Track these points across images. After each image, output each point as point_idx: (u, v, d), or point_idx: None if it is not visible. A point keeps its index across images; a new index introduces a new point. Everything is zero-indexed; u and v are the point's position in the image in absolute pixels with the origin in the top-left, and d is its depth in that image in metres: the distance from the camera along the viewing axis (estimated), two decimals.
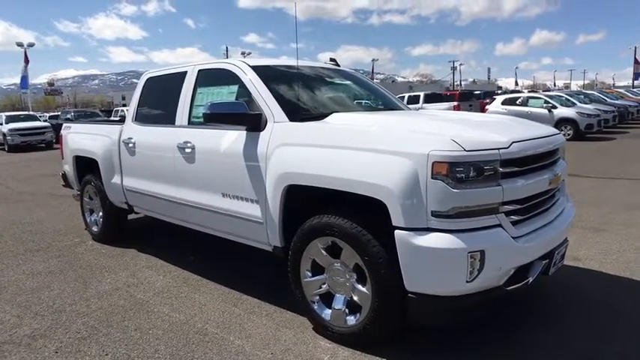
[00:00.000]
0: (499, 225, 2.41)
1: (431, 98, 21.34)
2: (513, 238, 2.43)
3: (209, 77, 3.78)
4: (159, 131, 4.07)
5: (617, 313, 3.05)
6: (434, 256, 2.30)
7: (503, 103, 17.17)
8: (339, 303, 2.77)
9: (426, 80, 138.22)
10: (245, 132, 3.19)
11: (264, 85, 3.26)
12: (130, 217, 5.23)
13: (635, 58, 43.32)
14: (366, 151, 2.51)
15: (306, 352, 2.70)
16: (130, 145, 4.36)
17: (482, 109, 18.85)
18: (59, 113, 25.16)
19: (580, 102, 17.29)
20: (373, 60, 68.25)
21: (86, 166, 5.28)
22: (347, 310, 2.74)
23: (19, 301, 3.60)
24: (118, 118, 9.76)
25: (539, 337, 2.79)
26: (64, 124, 5.84)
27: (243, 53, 60.90)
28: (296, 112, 3.11)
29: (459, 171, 2.29)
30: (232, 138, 3.27)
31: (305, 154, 2.78)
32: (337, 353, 2.67)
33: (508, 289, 2.47)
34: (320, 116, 3.09)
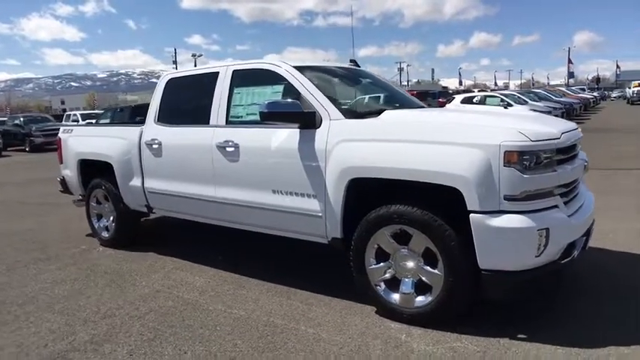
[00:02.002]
0: (556, 206, 2.70)
1: None
2: (568, 217, 2.73)
3: (246, 77, 3.84)
4: (191, 131, 4.07)
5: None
6: (508, 235, 2.55)
7: (462, 101, 18.06)
8: (407, 286, 2.95)
9: None
10: (297, 130, 3.29)
11: (313, 85, 3.38)
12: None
13: (569, 59, 46.70)
14: (438, 144, 2.71)
15: (381, 333, 2.86)
16: (155, 146, 4.31)
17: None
18: (5, 118, 23.59)
19: (531, 100, 18.51)
20: (325, 61, 68.92)
21: (94, 169, 5.13)
22: (415, 293, 2.92)
23: (59, 309, 3.49)
24: (85, 122, 9.50)
25: (576, 304, 3.11)
26: (64, 128, 5.62)
27: (193, 55, 59.53)
28: (348, 110, 3.27)
29: (526, 159, 2.56)
30: (283, 136, 3.37)
31: (372, 148, 2.93)
32: (411, 332, 2.85)
33: (562, 262, 2.77)
34: (370, 113, 3.26)
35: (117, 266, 4.45)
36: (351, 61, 4.58)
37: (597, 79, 70.74)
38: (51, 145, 20.08)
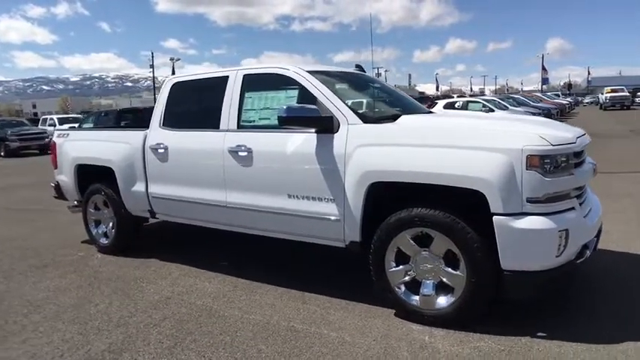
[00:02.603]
0: (573, 208, 2.79)
1: None
2: (583, 218, 2.83)
3: (258, 82, 3.83)
4: (199, 136, 4.03)
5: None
6: (531, 236, 2.62)
7: (445, 107, 18.37)
8: (428, 288, 2.99)
9: None
10: (314, 134, 3.30)
11: (329, 90, 3.40)
12: None
13: (543, 65, 48.05)
14: (461, 149, 2.77)
15: (405, 335, 2.89)
16: (160, 150, 4.25)
17: None
18: None
19: (511, 105, 18.97)
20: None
21: (92, 175, 5.02)
22: (435, 294, 2.97)
23: (68, 318, 3.40)
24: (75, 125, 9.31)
25: (587, 303, 3.21)
26: (58, 132, 5.48)
27: (172, 59, 58.78)
28: (365, 115, 3.30)
29: (547, 162, 2.64)
30: (300, 140, 3.37)
31: (394, 153, 2.97)
32: (433, 333, 2.89)
33: (578, 262, 2.86)
34: (385, 118, 3.31)
35: (120, 273, 4.35)
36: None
37: (569, 85, 73.01)
38: (27, 149, 19.54)
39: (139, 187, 4.52)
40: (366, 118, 3.25)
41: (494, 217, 2.66)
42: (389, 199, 3.10)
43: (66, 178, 5.29)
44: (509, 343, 2.72)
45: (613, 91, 33.65)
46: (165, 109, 4.39)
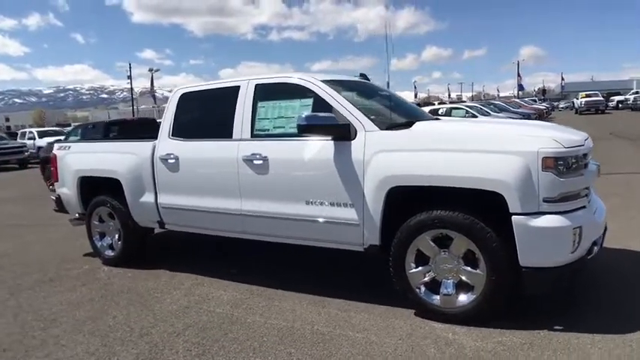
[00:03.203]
0: (584, 206, 2.95)
1: None
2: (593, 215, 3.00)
3: (271, 91, 3.91)
4: (212, 145, 4.08)
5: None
6: (548, 234, 2.77)
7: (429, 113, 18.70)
8: (448, 287, 3.10)
9: None
10: (332, 142, 3.40)
11: (344, 98, 3.51)
12: None
13: (518, 72, 49.40)
14: (480, 152, 2.90)
15: (428, 333, 2.99)
16: (171, 161, 4.28)
17: None
18: None
19: (492, 111, 19.46)
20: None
21: (95, 187, 5.00)
22: (455, 293, 3.08)
23: (88, 330, 3.39)
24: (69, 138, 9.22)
25: (593, 298, 3.37)
26: (59, 144, 5.44)
27: (150, 70, 58.17)
28: (381, 122, 3.42)
29: (561, 164, 2.80)
30: (317, 148, 3.46)
31: (414, 158, 3.09)
32: (455, 330, 2.99)
33: (588, 257, 3.01)
34: (401, 125, 3.43)
35: (131, 285, 4.34)
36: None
37: (543, 91, 75.09)
38: (7, 163, 19.08)
39: (148, 197, 4.53)
40: (382, 125, 3.37)
41: (513, 217, 2.80)
42: (407, 203, 3.21)
43: (68, 190, 5.25)
44: (529, 336, 2.85)
45: (588, 96, 34.84)
46: (174, 120, 4.42)
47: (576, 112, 35.34)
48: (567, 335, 2.83)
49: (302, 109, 3.68)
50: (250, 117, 3.88)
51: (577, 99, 37.67)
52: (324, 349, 2.90)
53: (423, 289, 3.18)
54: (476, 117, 17.49)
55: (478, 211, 2.96)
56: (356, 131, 3.35)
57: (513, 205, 2.79)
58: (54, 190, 12.01)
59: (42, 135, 22.44)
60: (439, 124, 3.54)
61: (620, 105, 37.16)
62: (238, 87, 4.03)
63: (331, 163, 3.38)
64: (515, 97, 52.31)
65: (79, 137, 11.46)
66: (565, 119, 30.15)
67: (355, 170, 3.29)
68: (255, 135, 3.85)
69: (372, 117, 3.46)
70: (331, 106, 3.50)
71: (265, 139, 3.79)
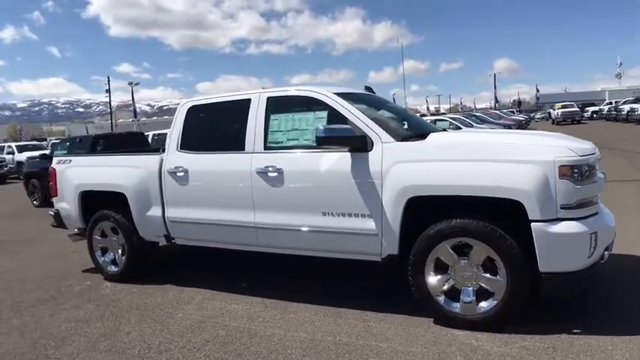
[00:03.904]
0: (597, 212, 3.06)
1: None
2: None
3: (283, 104, 3.95)
4: (223, 158, 4.07)
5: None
6: (566, 240, 2.86)
7: None
8: (468, 295, 3.16)
9: None
10: (348, 153, 3.44)
11: (359, 111, 3.57)
12: None
13: (495, 84, 50.65)
14: (498, 162, 2.99)
15: (452, 340, 3.03)
16: (180, 174, 4.25)
17: None
18: None
19: (475, 122, 19.88)
20: (264, 88, 69.61)
21: (98, 201, 4.92)
22: (476, 300, 3.13)
23: (104, 348, 3.31)
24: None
25: (605, 302, 3.47)
26: (59, 158, 5.33)
27: (130, 83, 57.64)
28: (395, 133, 3.49)
29: (576, 172, 2.90)
30: (334, 159, 3.50)
31: (433, 168, 3.16)
32: (478, 336, 3.04)
33: (601, 262, 3.11)
34: (415, 136, 3.51)
35: (140, 300, 4.26)
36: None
37: (519, 102, 77.10)
38: None
39: (155, 211, 4.47)
40: (397, 137, 3.43)
41: (533, 224, 2.88)
42: (422, 213, 3.26)
43: (68, 205, 5.15)
44: (550, 340, 2.92)
45: (564, 106, 35.96)
46: (182, 133, 4.40)
47: (553, 123, 36.34)
48: (587, 338, 2.91)
49: (316, 121, 3.72)
50: (263, 129, 3.90)
51: (553, 110, 38.78)
52: (350, 359, 2.90)
53: (443, 297, 3.23)
54: (460, 128, 17.83)
55: (494, 219, 3.03)
56: (372, 143, 3.41)
57: (532, 213, 2.88)
58: (39, 206, 11.70)
59: (21, 149, 21.88)
60: (454, 135, 3.64)
61: (594, 115, 38.44)
62: (249, 100, 4.05)
63: (348, 174, 3.42)
64: (491, 108, 53.53)
65: (66, 151, 11.22)
66: (545, 129, 30.95)
67: (373, 181, 3.34)
68: (268, 147, 3.86)
69: (390, 129, 3.52)
70: (346, 118, 3.55)
71: (279, 151, 3.81)
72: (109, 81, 62.11)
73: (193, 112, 4.44)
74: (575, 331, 3.01)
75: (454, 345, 2.97)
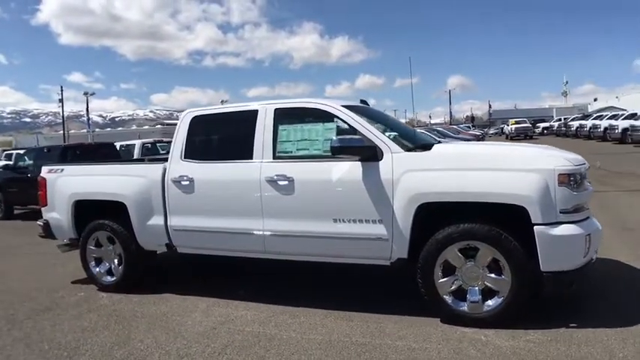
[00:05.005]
0: (590, 217, 3.40)
1: None
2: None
3: (290, 115, 4.11)
4: (231, 167, 4.17)
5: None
6: (565, 241, 3.17)
7: None
8: (474, 294, 3.40)
9: None
10: (359, 162, 3.64)
11: (367, 122, 3.79)
12: None
13: (450, 100, 52.78)
14: (503, 171, 3.29)
15: (462, 337, 3.25)
16: (184, 182, 4.29)
17: None
18: None
19: (436, 136, 20.69)
20: (223, 101, 69.39)
21: (92, 211, 4.85)
22: (482, 299, 3.38)
23: (120, 356, 3.30)
24: None
25: (590, 301, 3.82)
26: (49, 167, 5.20)
27: (85, 93, 55.81)
28: (404, 144, 3.73)
29: (572, 179, 3.24)
30: (345, 168, 3.69)
31: (443, 176, 3.40)
32: (485, 333, 3.28)
33: (592, 262, 3.45)
34: (420, 147, 3.76)
35: (143, 310, 4.23)
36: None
37: (472, 118, 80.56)
38: None
39: (157, 220, 4.48)
40: (404, 147, 3.67)
41: (536, 227, 3.17)
42: (429, 218, 3.50)
43: (59, 215, 5.03)
44: (552, 334, 3.20)
45: (517, 122, 38.11)
46: (186, 142, 4.45)
47: (507, 138, 38.28)
48: (584, 331, 3.21)
49: (326, 132, 3.90)
50: (271, 139, 4.03)
51: (507, 125, 40.91)
52: (371, 357, 3.06)
53: (451, 297, 3.45)
54: None
55: (497, 223, 3.31)
56: (382, 153, 3.62)
57: (535, 217, 3.17)
58: (2, 219, 11.13)
59: None
60: (457, 147, 3.93)
61: (545, 131, 40.90)
62: (256, 111, 4.18)
63: (360, 182, 3.61)
64: (446, 123, 55.58)
65: (32, 161, 10.81)
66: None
67: (384, 188, 3.54)
68: (277, 157, 4.00)
69: (397, 139, 3.76)
70: (356, 129, 3.75)
71: (289, 160, 3.95)
72: (62, 90, 59.49)
73: (197, 122, 4.50)
74: (571, 325, 3.31)
75: (465, 341, 3.19)
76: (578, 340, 3.08)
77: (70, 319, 4.07)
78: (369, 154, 3.61)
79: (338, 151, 3.55)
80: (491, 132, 55.26)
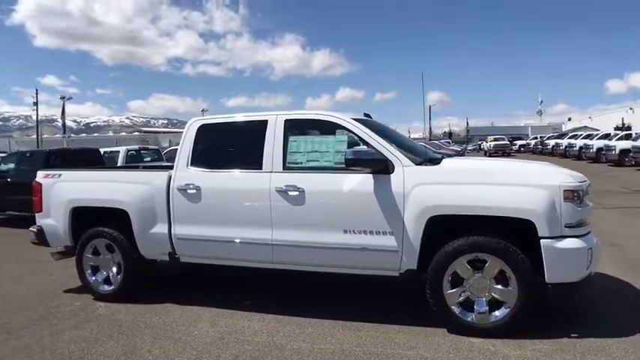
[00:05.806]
0: (590, 231, 3.55)
1: None
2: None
3: (300, 126, 4.18)
4: (240, 176, 4.19)
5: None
6: (570, 254, 3.31)
7: None
8: (481, 305, 3.50)
9: None
10: (370, 175, 3.72)
11: (378, 136, 3.88)
12: None
13: (430, 116, 53.80)
14: (512, 186, 3.42)
15: (471, 346, 3.33)
16: (191, 191, 4.28)
17: None
18: None
19: None
20: (203, 111, 69.03)
21: (90, 218, 4.77)
22: (489, 310, 3.48)
23: None
24: None
25: (586, 312, 3.96)
26: (46, 172, 5.10)
27: (62, 98, 54.61)
28: (414, 158, 3.83)
29: (576, 195, 3.39)
30: (356, 180, 3.76)
31: (452, 190, 3.52)
32: (493, 342, 3.37)
33: (592, 275, 3.60)
34: (429, 161, 3.88)
35: (146, 320, 4.16)
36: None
37: (450, 134, 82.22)
38: None
39: (160, 228, 4.44)
40: (415, 161, 3.78)
41: (542, 240, 3.30)
42: (439, 231, 3.59)
43: (54, 222, 4.92)
44: (556, 344, 3.31)
45: (496, 139, 39.30)
46: (192, 150, 4.45)
47: (486, 154, 39.24)
48: (586, 340, 3.34)
49: (338, 144, 3.96)
50: (282, 150, 4.07)
51: (486, 142, 41.97)
52: None
53: (459, 308, 3.54)
54: None
55: (504, 236, 3.43)
56: (393, 166, 3.71)
57: (542, 230, 3.30)
58: None
59: None
60: (465, 161, 4.06)
61: (522, 149, 42.13)
62: (266, 121, 4.22)
63: (371, 194, 3.68)
64: (425, 138, 56.52)
65: (13, 165, 10.52)
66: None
67: (395, 201, 3.63)
68: (287, 167, 4.04)
69: (407, 153, 3.86)
70: (367, 142, 3.84)
71: (299, 171, 3.99)
72: (37, 93, 58.03)
73: (204, 130, 4.51)
74: (573, 335, 3.43)
75: (474, 350, 3.27)
76: (582, 350, 3.20)
77: (70, 329, 3.98)
78: (381, 167, 3.70)
79: (352, 163, 3.63)
80: (469, 148, 56.45)
